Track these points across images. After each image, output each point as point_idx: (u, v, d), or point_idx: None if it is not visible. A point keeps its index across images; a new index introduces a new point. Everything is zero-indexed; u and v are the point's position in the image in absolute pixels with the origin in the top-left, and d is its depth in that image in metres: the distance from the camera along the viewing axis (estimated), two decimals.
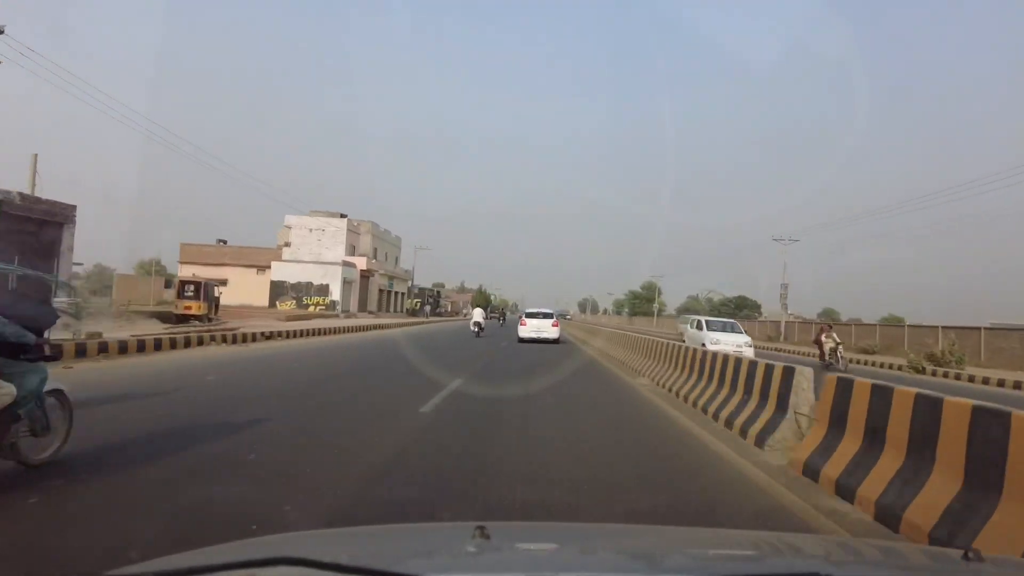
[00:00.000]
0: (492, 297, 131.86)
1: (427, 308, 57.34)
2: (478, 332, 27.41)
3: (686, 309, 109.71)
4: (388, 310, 61.53)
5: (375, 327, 31.98)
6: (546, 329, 25.03)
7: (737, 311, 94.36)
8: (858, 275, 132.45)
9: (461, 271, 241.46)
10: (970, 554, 1.27)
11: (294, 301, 46.09)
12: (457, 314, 75.73)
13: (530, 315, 26.18)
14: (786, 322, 44.49)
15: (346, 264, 47.63)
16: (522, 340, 24.45)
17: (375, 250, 58.25)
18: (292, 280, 46.47)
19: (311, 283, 46.35)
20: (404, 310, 68.99)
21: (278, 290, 46.44)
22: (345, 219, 50.75)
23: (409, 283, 68.90)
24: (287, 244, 50.52)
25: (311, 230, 50.35)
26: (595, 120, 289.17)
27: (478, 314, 28.99)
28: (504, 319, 56.79)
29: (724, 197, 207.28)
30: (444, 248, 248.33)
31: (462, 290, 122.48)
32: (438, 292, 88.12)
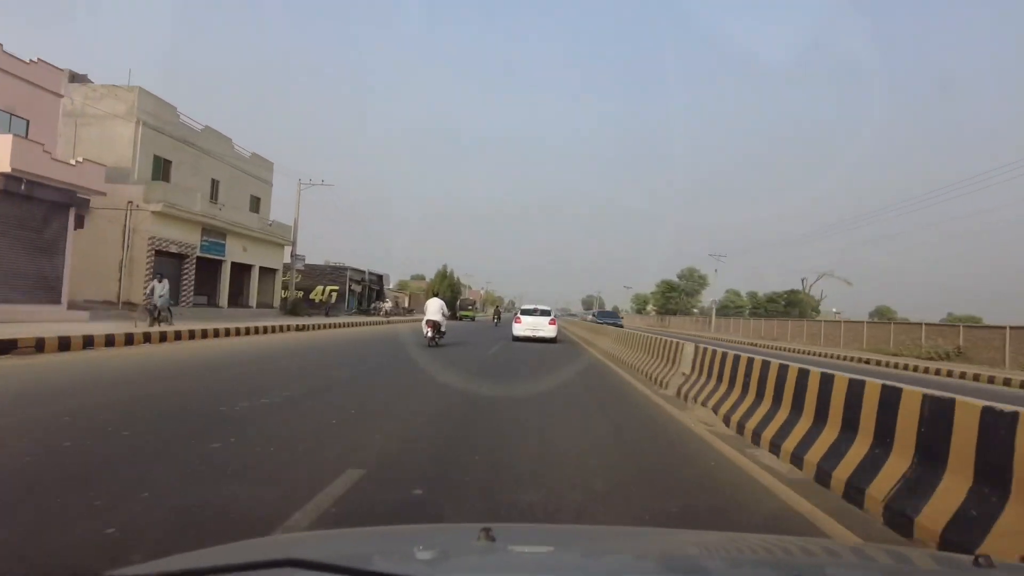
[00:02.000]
0: (480, 291, 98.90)
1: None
2: (432, 338, 17.27)
3: (725, 306, 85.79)
4: (217, 302, 28.53)
5: None
6: (543, 327, 23.22)
7: (790, 308, 73.73)
8: (904, 271, 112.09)
9: (458, 269, 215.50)
10: (980, 559, 1.22)
11: None
12: (378, 312, 43.15)
13: (526, 312, 24.17)
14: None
15: None
16: (517, 339, 22.81)
17: (163, 164, 25.24)
18: None
19: None
20: (281, 303, 36.06)
21: None
22: None
23: (289, 250, 35.63)
24: None
25: None
26: (605, 115, 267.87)
27: (433, 308, 17.83)
28: (499, 319, 43.49)
29: (748, 193, 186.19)
30: (440, 244, 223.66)
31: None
32: (379, 277, 54.63)
